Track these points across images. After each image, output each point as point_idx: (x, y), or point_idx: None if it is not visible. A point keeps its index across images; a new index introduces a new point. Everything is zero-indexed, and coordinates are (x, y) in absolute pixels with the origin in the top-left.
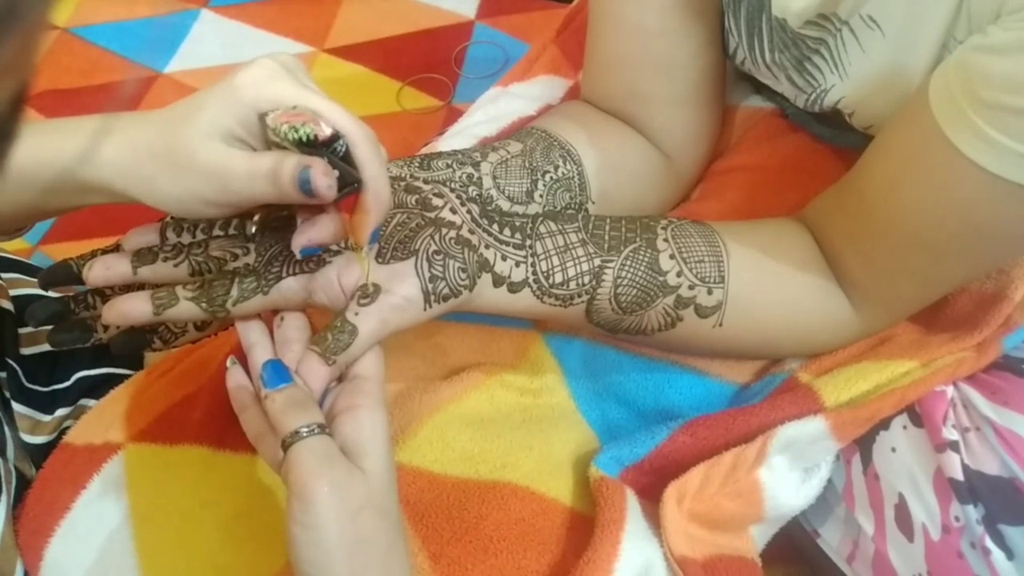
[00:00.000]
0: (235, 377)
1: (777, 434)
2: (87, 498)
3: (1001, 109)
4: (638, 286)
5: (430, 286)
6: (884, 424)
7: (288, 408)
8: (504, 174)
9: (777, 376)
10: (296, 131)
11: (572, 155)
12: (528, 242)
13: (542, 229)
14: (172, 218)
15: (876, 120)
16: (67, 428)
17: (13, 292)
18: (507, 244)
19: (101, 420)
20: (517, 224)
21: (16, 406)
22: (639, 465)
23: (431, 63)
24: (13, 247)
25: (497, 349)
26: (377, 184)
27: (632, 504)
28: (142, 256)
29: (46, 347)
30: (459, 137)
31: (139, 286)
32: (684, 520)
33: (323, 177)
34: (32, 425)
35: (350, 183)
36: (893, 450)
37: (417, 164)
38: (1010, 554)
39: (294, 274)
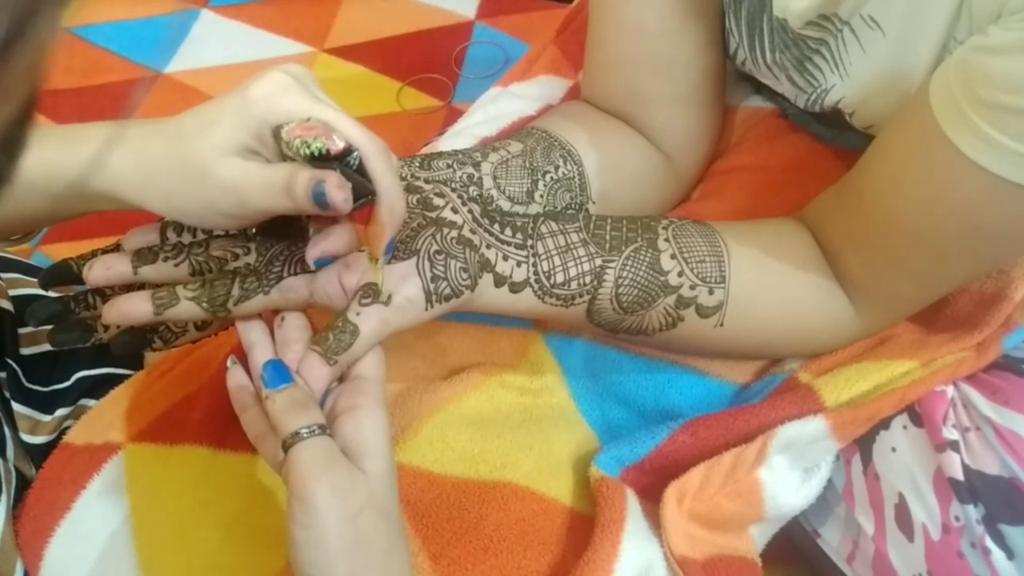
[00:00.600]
0: (236, 377)
1: (777, 434)
2: (87, 498)
3: (1001, 109)
4: (639, 286)
5: (431, 286)
6: (884, 424)
7: (289, 409)
8: (504, 174)
9: (777, 376)
10: (309, 145)
11: (572, 155)
12: (529, 242)
13: (543, 229)
14: None
15: (876, 120)
16: (67, 428)
17: (13, 292)
18: (508, 244)
19: (101, 420)
20: (518, 224)
21: (16, 406)
22: (639, 465)
23: (431, 63)
24: (13, 247)
25: (497, 349)
26: (391, 196)
27: (632, 504)
28: (142, 256)
29: (46, 347)
30: (459, 137)
31: (139, 286)
32: (684, 520)
33: (338, 191)
34: (32, 425)
35: (363, 195)
36: (893, 450)
37: (418, 164)
38: (1010, 554)
39: (295, 274)
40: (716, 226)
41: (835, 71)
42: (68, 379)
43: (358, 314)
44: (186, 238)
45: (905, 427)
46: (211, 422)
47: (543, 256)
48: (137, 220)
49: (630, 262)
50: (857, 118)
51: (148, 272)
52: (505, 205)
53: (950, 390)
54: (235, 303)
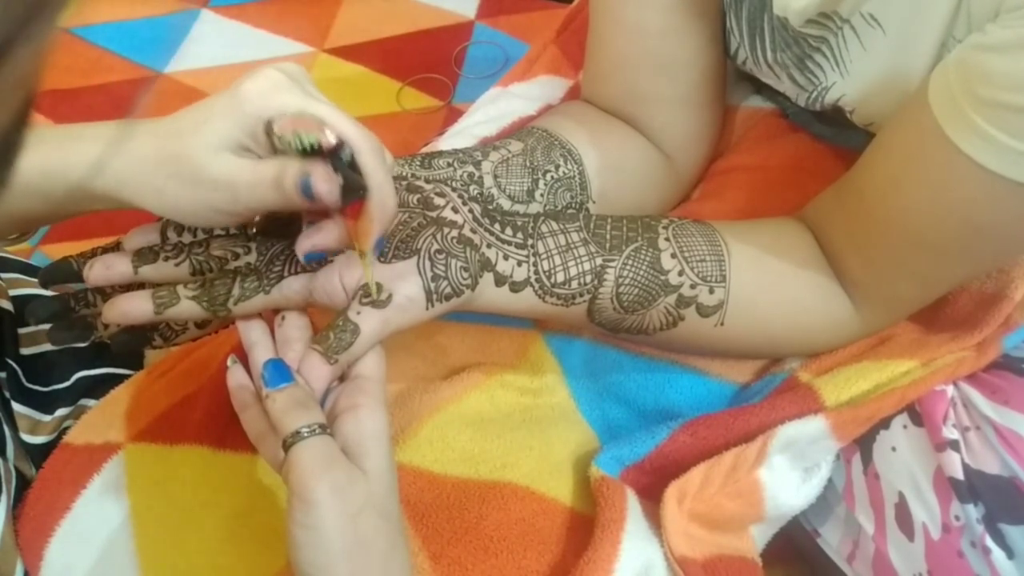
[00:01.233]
0: (236, 376)
1: (777, 434)
2: (87, 498)
3: (1000, 107)
4: (640, 285)
5: (432, 285)
6: (884, 423)
7: (289, 408)
8: (505, 173)
9: (777, 376)
10: (301, 139)
11: (573, 155)
12: (530, 241)
13: (544, 228)
14: None
15: (876, 118)
16: (67, 428)
17: (13, 292)
18: (509, 243)
19: (101, 420)
20: (519, 223)
21: (16, 406)
22: (639, 465)
23: (431, 63)
24: (13, 247)
25: (497, 349)
26: (382, 192)
27: (632, 504)
28: (143, 255)
29: (46, 347)
30: (459, 137)
31: (140, 284)
32: (684, 520)
33: (324, 182)
34: (32, 425)
35: (355, 190)
36: (893, 449)
37: (418, 163)
38: (1010, 553)
39: (296, 273)
40: (716, 225)
41: (835, 69)
42: (68, 379)
43: (359, 313)
44: (186, 238)
45: (905, 427)
46: (211, 422)
47: (544, 255)
48: (137, 220)
49: (631, 261)
50: (857, 116)
51: (148, 271)
52: (506, 204)
53: (950, 390)
54: (235, 302)
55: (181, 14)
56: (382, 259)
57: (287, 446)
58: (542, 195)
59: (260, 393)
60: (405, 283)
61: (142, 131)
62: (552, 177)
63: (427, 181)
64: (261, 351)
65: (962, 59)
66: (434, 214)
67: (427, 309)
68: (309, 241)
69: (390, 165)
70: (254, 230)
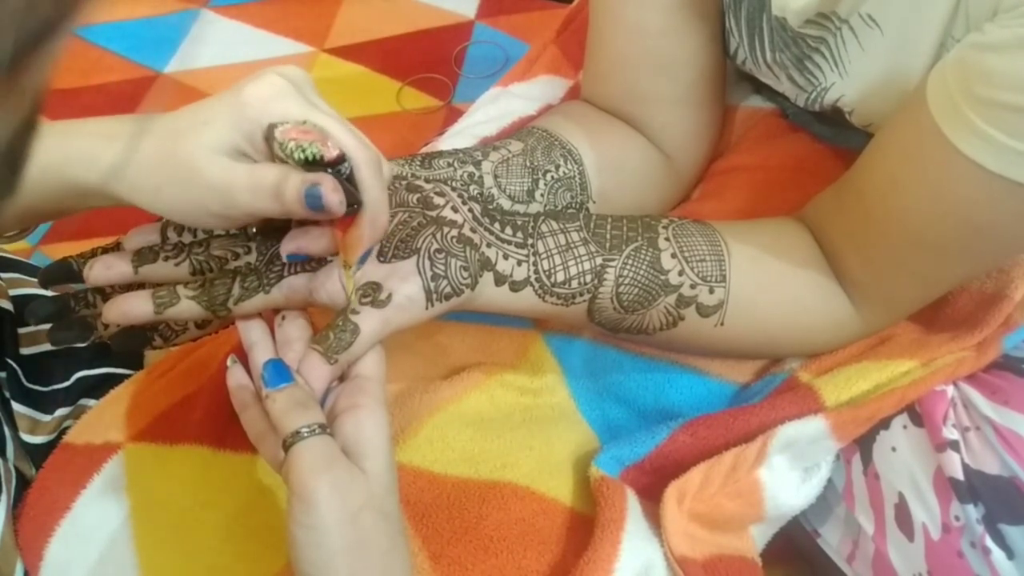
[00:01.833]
0: (236, 376)
1: (777, 434)
2: (87, 498)
3: (998, 106)
4: (640, 285)
5: (432, 285)
6: (884, 424)
7: (289, 408)
8: (505, 173)
9: (777, 376)
10: (303, 150)
11: (573, 155)
12: (530, 241)
13: (543, 228)
14: None
15: (875, 118)
16: (67, 428)
17: (13, 292)
18: (509, 243)
19: (101, 420)
20: (519, 223)
21: (16, 406)
22: (639, 465)
23: (431, 63)
24: (13, 247)
25: (497, 349)
26: (376, 208)
27: (632, 504)
28: (143, 255)
29: (46, 347)
30: (459, 137)
31: (140, 284)
32: (684, 520)
33: (334, 194)
34: (32, 425)
35: (350, 204)
36: (893, 449)
37: (418, 163)
38: (1010, 553)
39: (296, 273)
40: (716, 225)
41: (834, 69)
42: (68, 379)
43: (358, 313)
44: (187, 237)
45: (905, 427)
46: (211, 422)
47: (543, 255)
48: (137, 219)
49: (631, 261)
50: (856, 116)
51: (148, 271)
52: (506, 204)
53: (950, 390)
54: (235, 302)
55: (181, 14)
56: (381, 258)
57: (287, 446)
58: (542, 195)
59: (260, 393)
60: (405, 283)
61: (140, 129)
62: (552, 177)
63: (427, 181)
64: (261, 351)
65: (960, 59)
66: (434, 213)
67: (427, 309)
68: (295, 243)
69: (387, 179)
70: (254, 230)
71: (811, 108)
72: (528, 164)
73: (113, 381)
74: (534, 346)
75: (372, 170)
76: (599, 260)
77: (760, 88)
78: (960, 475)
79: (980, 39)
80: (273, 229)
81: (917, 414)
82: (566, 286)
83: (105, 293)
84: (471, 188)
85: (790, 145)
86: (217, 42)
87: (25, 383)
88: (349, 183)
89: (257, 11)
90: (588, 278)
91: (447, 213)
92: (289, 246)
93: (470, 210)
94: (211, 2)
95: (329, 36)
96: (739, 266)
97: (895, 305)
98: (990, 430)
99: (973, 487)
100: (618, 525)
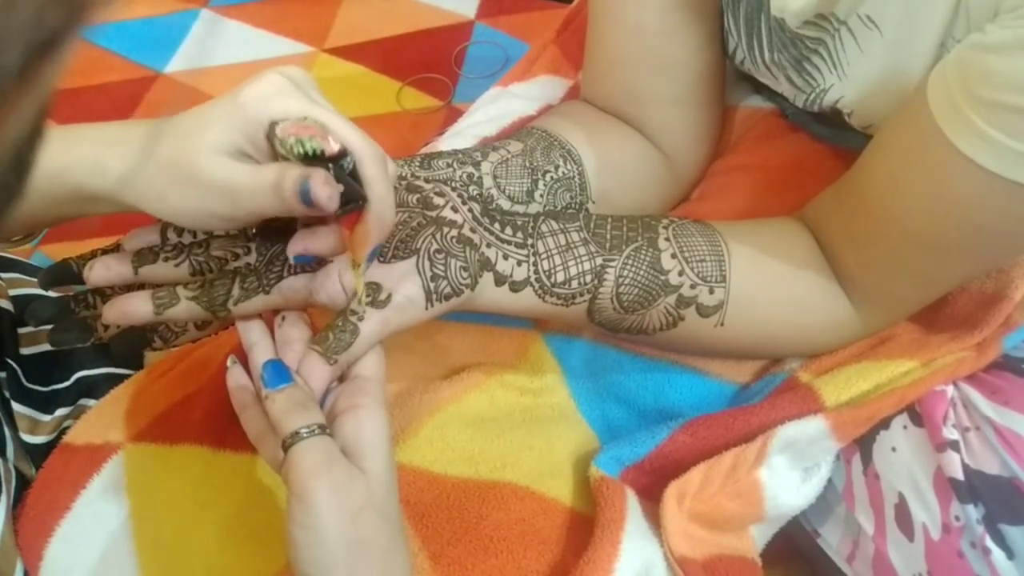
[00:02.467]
0: (236, 377)
1: (777, 434)
2: (87, 498)
3: (999, 107)
4: (640, 285)
5: (432, 285)
6: (884, 424)
7: (288, 408)
8: (505, 174)
9: (777, 376)
10: (303, 145)
11: (572, 155)
12: (530, 241)
13: (543, 228)
14: None
15: (875, 120)
16: (67, 428)
17: (13, 292)
18: (509, 243)
19: (101, 420)
20: (519, 223)
21: (16, 406)
22: (639, 465)
23: (431, 63)
24: (14, 247)
25: (497, 349)
26: (381, 204)
27: (632, 504)
28: (143, 256)
29: (46, 347)
30: (459, 137)
31: (139, 285)
32: (684, 520)
33: (323, 187)
34: (32, 425)
35: (355, 200)
36: (893, 450)
37: (418, 163)
38: (1010, 554)
39: (295, 273)
40: (716, 226)
41: (833, 71)
42: (68, 379)
43: (363, 314)
44: (186, 238)
45: (905, 427)
46: (211, 422)
47: (543, 255)
48: (138, 221)
49: (631, 261)
50: (855, 118)
51: (148, 272)
52: (505, 204)
53: (950, 390)
54: (235, 303)
55: (181, 14)
56: (381, 258)
57: (286, 447)
58: (542, 195)
59: (260, 394)
60: (405, 283)
61: (142, 134)
62: (552, 177)
63: (427, 181)
64: (261, 352)
65: (961, 59)
66: (433, 214)
67: (427, 309)
68: (302, 244)
69: (393, 175)
70: (254, 231)
71: (810, 109)
72: (528, 164)
73: (113, 381)
74: (534, 346)
75: (376, 165)
76: (599, 260)
77: (760, 88)
78: (960, 475)
79: (981, 40)
80: (273, 230)
81: (917, 414)
82: (566, 286)
83: (105, 294)
84: (471, 188)
85: (790, 145)
86: (217, 42)
87: (25, 383)
88: (353, 179)
89: (257, 11)
90: (588, 278)
91: (447, 213)
92: (296, 247)
93: (470, 210)
94: (211, 2)
95: (329, 36)
96: (739, 266)
97: (895, 305)
98: (990, 430)
99: (973, 487)
100: (618, 525)
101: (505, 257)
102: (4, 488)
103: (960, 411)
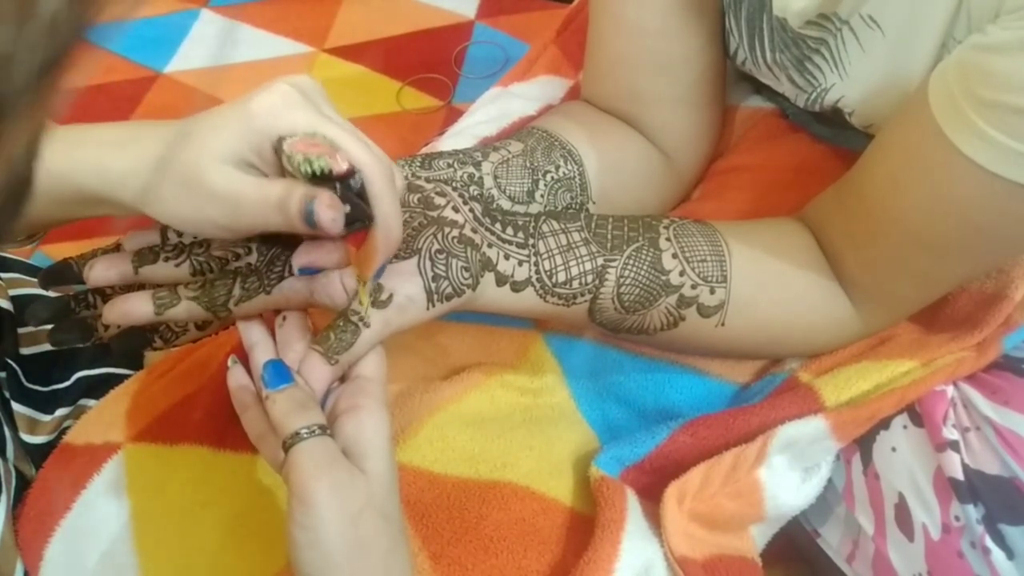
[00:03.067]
0: (236, 377)
1: (777, 434)
2: (87, 498)
3: (1000, 108)
4: (641, 285)
5: (433, 285)
6: (884, 424)
7: (289, 409)
8: (505, 174)
9: (777, 376)
10: (311, 164)
11: (573, 155)
12: (531, 241)
13: (544, 228)
14: None
15: (876, 120)
16: (67, 428)
17: (13, 292)
18: (510, 243)
19: (101, 420)
20: (520, 223)
21: (16, 406)
22: (639, 465)
23: (431, 63)
24: (17, 248)
25: (497, 349)
26: (388, 222)
27: (632, 504)
28: (143, 256)
29: (46, 347)
30: (460, 137)
31: (140, 285)
32: (684, 520)
33: (328, 210)
34: (32, 425)
35: (361, 218)
36: (893, 450)
37: (418, 163)
38: (1010, 554)
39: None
40: (717, 226)
41: (835, 70)
42: (68, 379)
43: (369, 327)
44: (187, 238)
45: (905, 427)
46: (211, 422)
47: (545, 255)
48: (139, 220)
49: (632, 261)
50: (856, 118)
51: (149, 272)
52: (506, 205)
53: (950, 390)
54: (236, 303)
55: (181, 14)
56: None
57: (287, 447)
58: (542, 196)
59: (260, 394)
60: (406, 283)
61: (148, 136)
62: (552, 178)
63: (427, 181)
64: (261, 352)
65: (962, 60)
66: (435, 214)
67: (428, 309)
68: (307, 256)
69: (401, 190)
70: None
71: (811, 109)
72: (528, 165)
73: (113, 381)
74: (534, 346)
75: (384, 183)
76: (600, 260)
77: (760, 88)
78: (960, 475)
79: (982, 40)
80: (274, 233)
81: (917, 414)
82: (567, 286)
83: (105, 294)
84: (471, 188)
85: (790, 145)
86: (217, 42)
87: (25, 383)
88: (360, 196)
89: (257, 11)
90: (589, 278)
91: (448, 213)
92: (302, 259)
93: (471, 210)
94: (211, 2)
95: (329, 36)
96: (740, 266)
97: (895, 305)
98: (990, 430)
99: (973, 487)
100: (618, 525)
101: (506, 257)
102: (4, 488)
103: (960, 411)
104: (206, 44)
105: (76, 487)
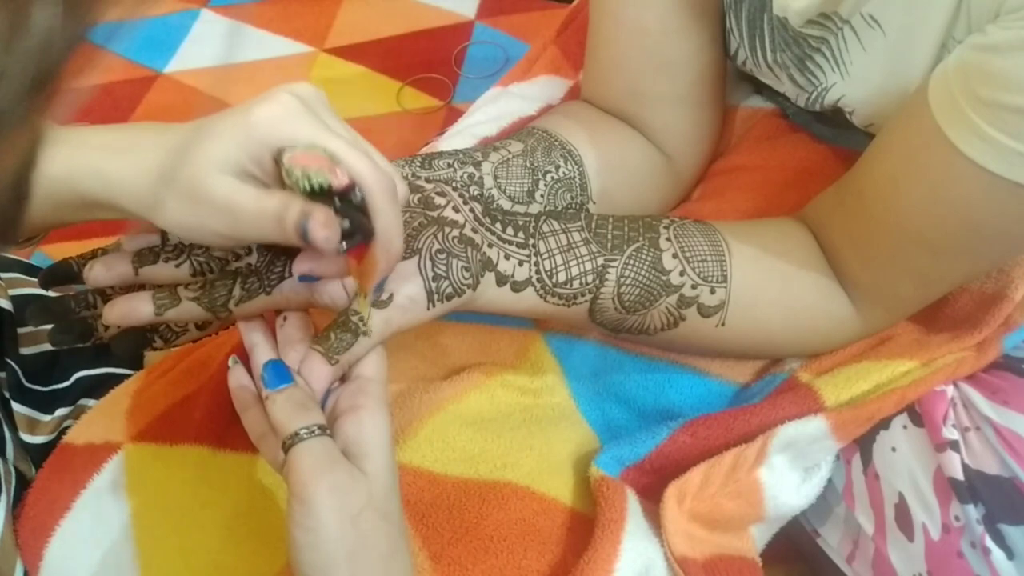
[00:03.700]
0: (237, 377)
1: (777, 434)
2: (87, 498)
3: (1000, 108)
4: (641, 285)
5: (433, 285)
6: (884, 424)
7: (288, 409)
8: (505, 174)
9: (777, 376)
10: (310, 179)
11: (573, 155)
12: (531, 241)
13: (545, 228)
14: None
15: (876, 119)
16: (67, 428)
17: (13, 292)
18: (510, 243)
19: (101, 420)
20: (520, 223)
21: (16, 406)
22: (640, 465)
23: (431, 63)
24: (18, 249)
25: (498, 349)
26: (388, 236)
27: (632, 504)
28: (143, 256)
29: (46, 347)
30: (460, 137)
31: (140, 285)
32: (685, 520)
33: (322, 229)
34: (32, 425)
35: (361, 232)
36: (893, 450)
37: (419, 164)
38: (1010, 554)
39: None
40: (717, 225)
41: (835, 70)
42: (68, 379)
43: (370, 336)
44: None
45: (905, 427)
46: (211, 422)
47: (545, 255)
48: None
49: (632, 261)
50: (857, 117)
51: (149, 273)
52: (506, 205)
53: (950, 390)
54: (236, 303)
55: (181, 14)
56: None
57: (286, 447)
58: (542, 196)
59: (261, 394)
60: (406, 283)
61: (148, 142)
62: (552, 178)
63: (427, 181)
64: (262, 352)
65: (962, 60)
66: (435, 214)
67: (428, 309)
68: (306, 264)
69: (403, 201)
70: None
71: (812, 108)
72: (528, 165)
73: (113, 381)
74: (534, 346)
75: (385, 197)
76: (600, 260)
77: (760, 88)
78: (960, 475)
79: (982, 40)
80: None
81: (917, 414)
82: (567, 286)
83: (105, 294)
84: (471, 188)
85: (790, 145)
86: (217, 42)
87: (25, 383)
88: (362, 210)
89: (257, 11)
90: (589, 278)
91: (448, 213)
92: (302, 267)
93: (471, 210)
94: (211, 2)
95: (329, 36)
96: (740, 266)
97: (895, 305)
98: (990, 430)
99: (973, 487)
100: (618, 525)
101: (507, 257)
102: (4, 488)
103: (960, 411)
104: (206, 44)
105: (76, 487)
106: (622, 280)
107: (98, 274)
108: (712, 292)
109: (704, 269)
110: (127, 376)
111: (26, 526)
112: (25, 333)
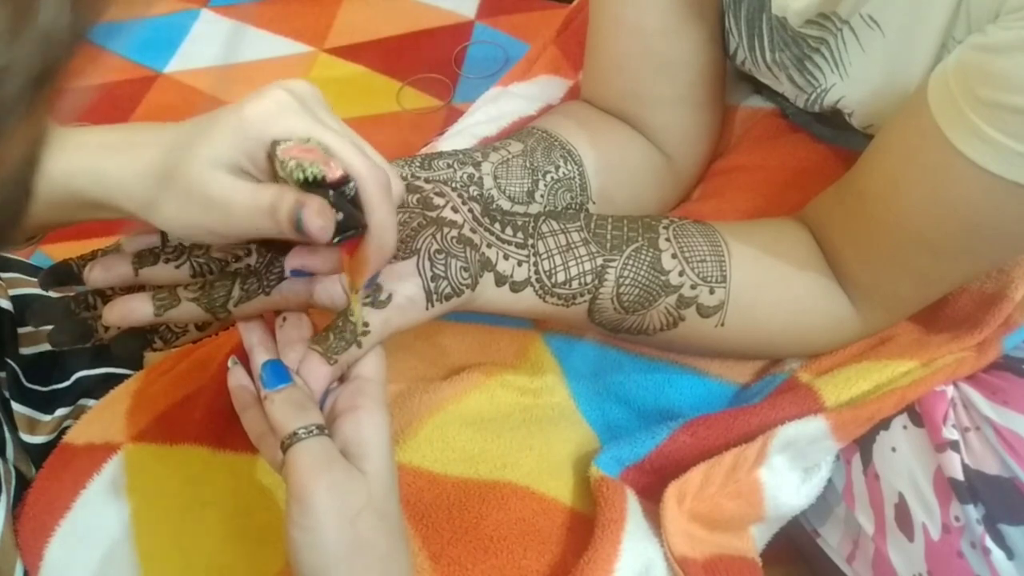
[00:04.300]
0: (237, 377)
1: (777, 434)
2: (87, 498)
3: (1000, 108)
4: (640, 285)
5: (432, 285)
6: (884, 424)
7: (287, 409)
8: (505, 174)
9: (777, 376)
10: (304, 170)
11: (573, 155)
12: (530, 241)
13: (544, 228)
14: None
15: (875, 120)
16: (67, 428)
17: (13, 292)
18: (509, 243)
19: (101, 420)
20: (519, 223)
21: (16, 406)
22: (639, 465)
23: (431, 63)
24: (17, 250)
25: (497, 349)
26: (381, 231)
27: (632, 504)
28: (143, 257)
29: (46, 347)
30: (459, 137)
31: (140, 286)
32: (685, 520)
33: (316, 218)
34: (32, 425)
35: (355, 226)
36: (893, 450)
37: (418, 164)
38: (1010, 554)
39: None
40: (717, 226)
41: (835, 70)
42: (68, 379)
43: (367, 334)
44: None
45: (905, 427)
46: (211, 422)
47: (544, 255)
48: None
49: (631, 261)
50: (856, 118)
51: (149, 273)
52: (505, 205)
53: (950, 390)
54: (236, 304)
55: (181, 14)
56: None
57: (285, 447)
58: (542, 196)
59: (260, 394)
60: (405, 283)
61: (145, 142)
62: (552, 178)
63: (427, 181)
64: (261, 352)
65: (962, 60)
66: (434, 214)
67: (427, 309)
68: (298, 259)
69: (398, 197)
70: None
71: (811, 109)
72: (528, 165)
73: (113, 381)
74: (534, 346)
75: (378, 191)
76: (600, 260)
77: (760, 88)
78: (960, 475)
79: (982, 40)
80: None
81: (917, 414)
82: (567, 286)
83: (105, 295)
84: (471, 189)
85: (790, 145)
86: (217, 42)
87: (25, 383)
88: (355, 204)
89: (257, 11)
90: (589, 278)
91: (447, 213)
92: (293, 262)
93: (470, 210)
94: (211, 2)
95: (329, 36)
96: (740, 266)
97: (895, 305)
98: (990, 430)
99: (973, 487)
100: (618, 525)
101: (505, 257)
102: (4, 488)
103: (960, 411)
104: (206, 44)
105: (76, 487)
106: (621, 280)
107: (98, 275)
108: (711, 292)
109: (703, 269)
110: (127, 376)
111: (26, 526)
112: (25, 333)
